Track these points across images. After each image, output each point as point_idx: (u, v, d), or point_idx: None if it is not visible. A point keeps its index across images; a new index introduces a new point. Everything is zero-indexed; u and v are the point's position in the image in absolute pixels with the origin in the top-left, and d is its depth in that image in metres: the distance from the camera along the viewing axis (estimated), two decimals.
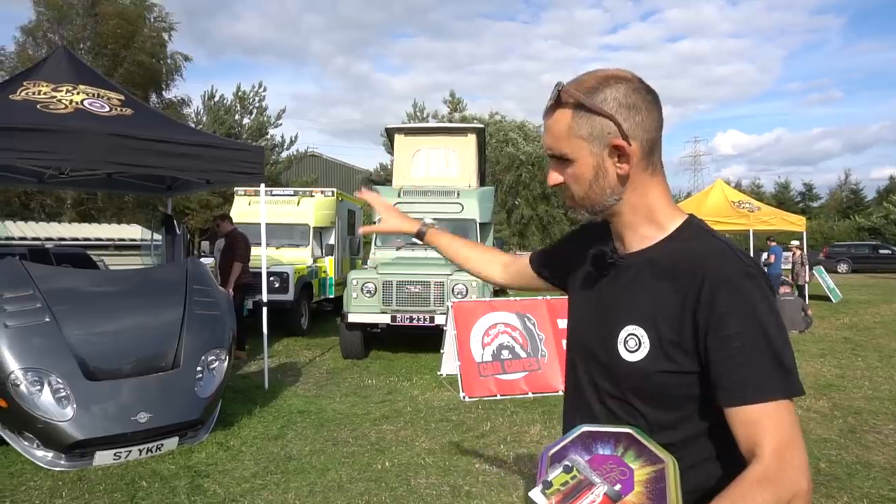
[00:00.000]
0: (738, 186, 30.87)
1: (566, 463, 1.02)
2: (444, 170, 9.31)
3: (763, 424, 0.95)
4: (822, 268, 14.96)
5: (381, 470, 4.07)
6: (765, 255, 14.73)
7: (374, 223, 1.79)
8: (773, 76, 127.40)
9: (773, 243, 14.55)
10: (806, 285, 14.25)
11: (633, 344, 1.09)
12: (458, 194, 8.64)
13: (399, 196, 8.62)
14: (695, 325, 1.03)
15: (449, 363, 6.68)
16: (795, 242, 15.26)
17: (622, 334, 1.11)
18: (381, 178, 25.75)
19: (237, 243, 7.77)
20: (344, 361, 7.74)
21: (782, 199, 40.38)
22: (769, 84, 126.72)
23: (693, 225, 1.15)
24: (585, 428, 1.05)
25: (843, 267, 26.86)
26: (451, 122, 23.55)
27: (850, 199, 42.57)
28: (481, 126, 9.95)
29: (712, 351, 1.00)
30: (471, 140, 9.36)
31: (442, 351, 6.88)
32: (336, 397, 5.98)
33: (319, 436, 4.77)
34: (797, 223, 15.14)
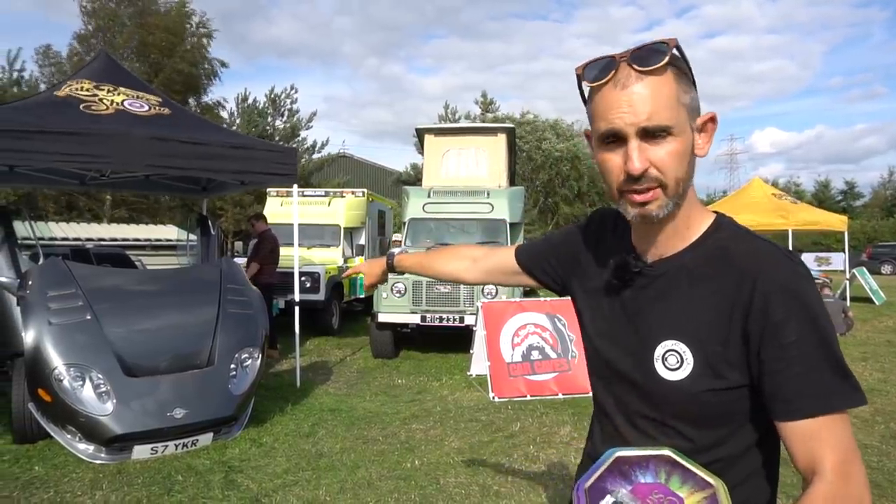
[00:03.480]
0: (775, 185, 30.15)
1: (612, 500, 0.91)
2: (474, 170, 9.30)
3: (823, 438, 0.89)
4: (864, 269, 14.50)
5: (411, 468, 4.09)
6: None
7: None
8: (814, 72, 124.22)
9: None
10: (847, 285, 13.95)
11: (675, 361, 0.98)
12: (488, 194, 8.62)
13: (429, 196, 8.65)
14: (745, 336, 0.94)
15: (478, 363, 6.67)
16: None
17: (659, 350, 1.00)
18: (412, 178, 25.83)
19: (262, 244, 7.92)
20: (374, 361, 7.80)
21: (822, 199, 39.25)
22: (809, 80, 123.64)
23: (725, 224, 1.05)
24: (619, 453, 0.94)
25: (886, 268, 26.05)
26: (482, 122, 23.50)
27: (894, 198, 41.18)
28: (511, 126, 9.91)
29: (769, 362, 0.92)
30: (501, 140, 9.33)
31: (471, 351, 6.86)
32: (366, 396, 6.04)
33: (350, 434, 4.82)
34: (839, 223, 14.73)
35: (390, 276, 1.68)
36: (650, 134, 0.93)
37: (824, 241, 29.86)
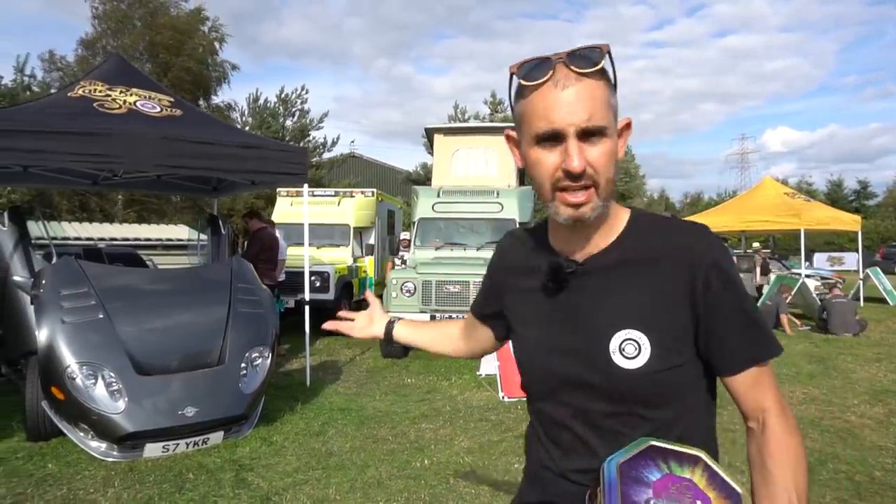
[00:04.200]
0: (785, 184, 29.89)
1: (657, 474, 0.93)
2: (484, 169, 9.30)
3: (763, 383, 1.06)
4: (878, 269, 14.35)
5: (421, 468, 4.09)
6: None
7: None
8: (827, 70, 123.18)
9: (726, 244, 14.48)
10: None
11: (633, 350, 1.02)
12: (498, 194, 8.61)
13: (438, 196, 8.65)
14: (693, 311, 1.03)
15: (488, 363, 6.68)
16: (757, 245, 14.99)
17: (615, 342, 1.03)
18: (421, 178, 25.85)
19: (252, 243, 7.87)
20: (383, 360, 7.81)
21: (835, 198, 38.84)
22: (822, 78, 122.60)
23: (643, 215, 1.11)
24: (652, 442, 0.96)
25: None
26: (492, 122, 23.47)
27: None
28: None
29: (717, 329, 1.03)
30: None
31: None
32: (376, 396, 6.04)
33: (360, 433, 4.82)
34: (852, 222, 14.58)
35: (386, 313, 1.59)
36: (587, 134, 0.96)
37: (837, 241, 29.59)
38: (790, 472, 1.01)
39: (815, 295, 11.79)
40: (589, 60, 0.96)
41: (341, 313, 1.64)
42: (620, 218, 1.09)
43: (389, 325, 1.55)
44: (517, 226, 8.27)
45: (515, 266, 1.21)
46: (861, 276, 14.54)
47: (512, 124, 1.12)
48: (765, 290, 14.07)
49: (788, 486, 1.00)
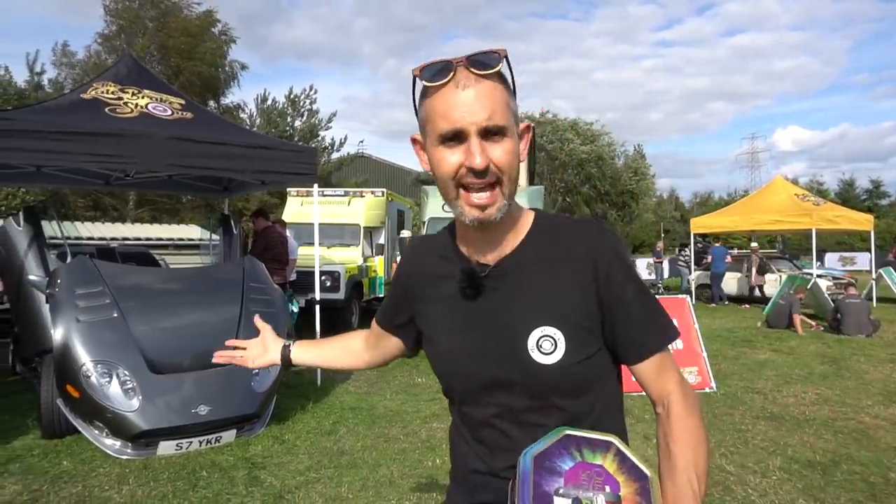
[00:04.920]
0: (795, 183, 29.71)
1: (569, 463, 0.96)
2: None
3: (667, 367, 1.11)
4: (891, 269, 14.20)
5: (432, 467, 4.10)
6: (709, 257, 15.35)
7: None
8: (838, 68, 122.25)
9: (718, 244, 15.20)
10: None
11: (549, 346, 1.05)
12: None
13: None
14: (599, 304, 1.07)
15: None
16: (754, 245, 14.93)
17: (532, 340, 1.05)
18: (430, 178, 25.85)
19: (256, 242, 7.86)
20: (394, 360, 7.80)
21: (847, 198, 38.58)
22: (834, 77, 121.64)
23: (544, 215, 1.16)
24: (567, 431, 0.99)
25: None
26: None
27: None
28: (531, 125, 9.87)
29: (621, 321, 1.08)
30: None
31: None
32: (386, 395, 6.06)
33: (371, 432, 4.84)
34: (864, 222, 14.46)
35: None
36: (489, 133, 0.99)
37: (849, 241, 29.36)
38: (690, 454, 1.06)
39: (827, 295, 11.70)
40: (487, 65, 1.00)
41: (230, 342, 1.55)
42: (525, 219, 1.13)
43: (286, 350, 1.50)
44: None
45: (425, 274, 1.21)
46: (874, 276, 14.42)
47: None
48: (767, 290, 14.05)
49: (688, 467, 1.05)
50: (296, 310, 7.86)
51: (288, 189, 11.31)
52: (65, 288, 4.44)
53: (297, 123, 23.79)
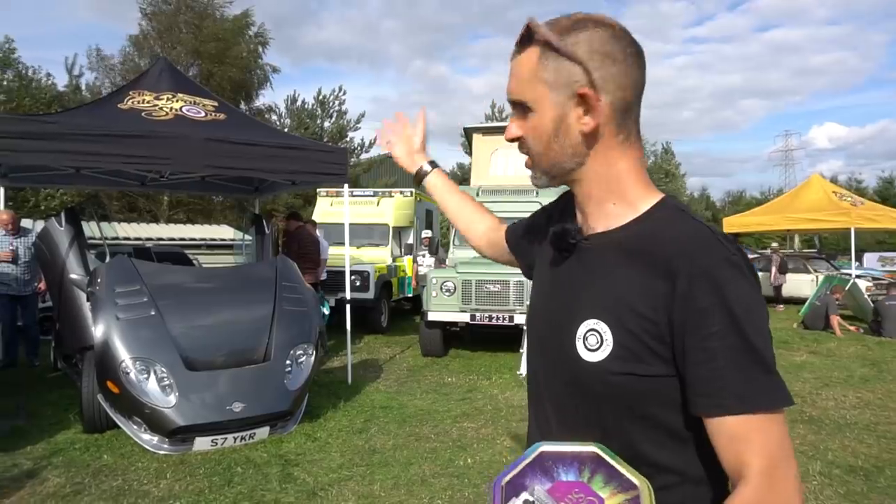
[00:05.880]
0: (834, 182, 28.93)
1: (526, 497, 0.84)
2: (523, 169, 9.17)
3: (749, 439, 0.83)
4: None
5: (464, 466, 4.09)
6: None
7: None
8: (877, 63, 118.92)
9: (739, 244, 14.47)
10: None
11: (594, 341, 0.92)
12: (537, 193, 8.54)
13: (477, 195, 8.63)
14: (670, 323, 0.87)
15: None
16: (774, 245, 14.51)
17: (581, 330, 0.94)
18: (458, 178, 25.87)
19: (289, 243, 7.96)
20: (423, 359, 7.84)
21: (887, 196, 37.38)
22: (872, 72, 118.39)
23: (668, 205, 0.98)
24: (544, 447, 0.86)
25: None
26: None
27: None
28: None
29: (690, 352, 0.85)
30: None
31: (521, 350, 6.84)
32: (417, 394, 6.07)
33: (402, 431, 4.85)
34: None
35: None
36: (516, 107, 0.99)
37: (889, 241, 28.50)
38: None
39: (866, 296, 11.38)
40: (519, 37, 0.98)
41: (393, 118, 1.55)
42: (645, 200, 0.98)
43: (425, 169, 1.48)
44: None
45: (554, 223, 1.13)
46: None
47: None
48: (793, 290, 13.72)
49: None
50: (327, 311, 7.92)
51: (318, 189, 11.43)
52: (105, 287, 4.55)
53: (326, 124, 24.04)
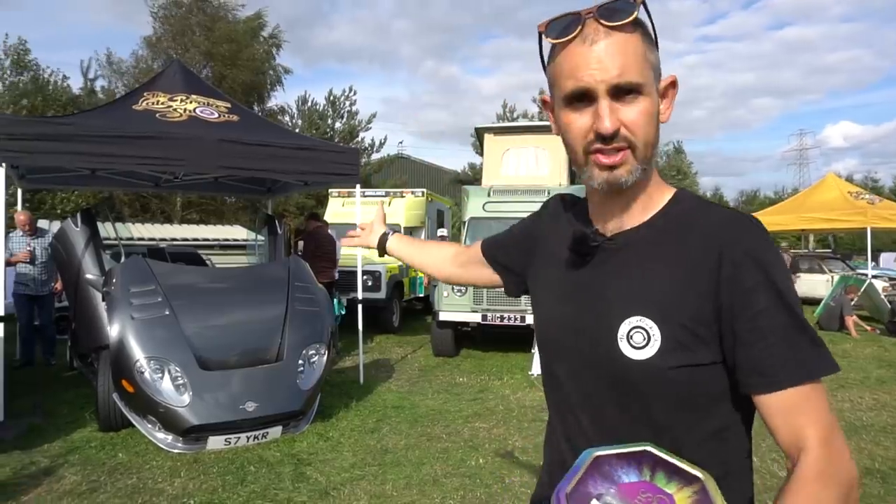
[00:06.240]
0: (849, 181, 28.59)
1: None
2: (535, 168, 9.23)
3: (804, 410, 0.85)
4: None
5: (476, 467, 4.09)
6: None
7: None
8: (893, 61, 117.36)
9: None
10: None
11: (641, 338, 0.91)
12: (549, 193, 8.53)
13: (489, 195, 8.63)
14: (716, 308, 0.88)
15: (540, 364, 6.63)
16: (784, 244, 14.30)
17: (623, 328, 0.92)
18: (469, 178, 25.85)
19: (307, 243, 8.12)
20: (435, 359, 7.85)
21: None
22: (888, 69, 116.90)
23: (687, 196, 1.00)
24: (597, 452, 0.85)
25: None
26: (540, 120, 23.28)
27: None
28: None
29: (742, 333, 0.87)
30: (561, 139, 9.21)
31: (533, 351, 6.83)
32: (428, 394, 6.08)
33: (413, 431, 4.86)
34: None
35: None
36: (620, 92, 0.88)
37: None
38: None
39: (883, 297, 11.24)
40: (618, 13, 0.88)
41: (357, 229, 1.73)
42: (662, 196, 0.99)
43: (383, 237, 1.61)
44: None
45: (552, 231, 1.13)
46: None
47: None
48: (805, 290, 13.58)
49: None
50: (343, 312, 7.95)
51: (329, 190, 11.47)
52: (120, 287, 4.60)
53: (338, 125, 24.11)
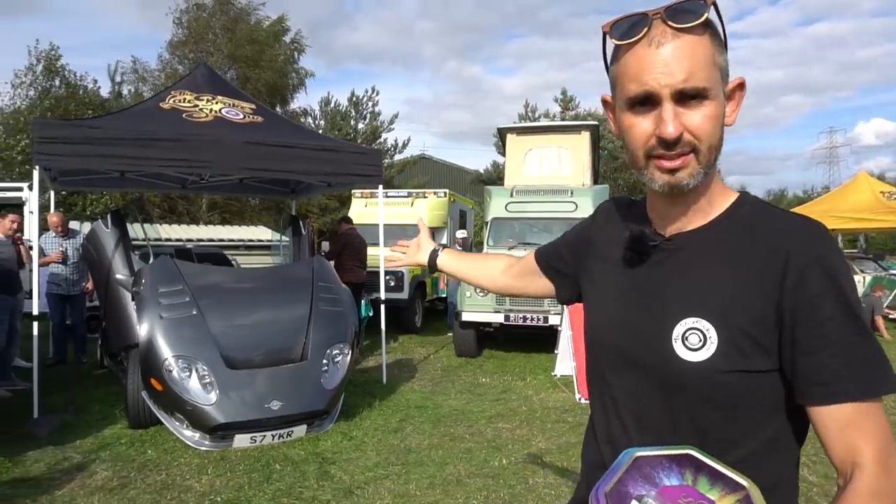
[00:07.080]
0: (881, 179, 27.88)
1: None
2: (557, 168, 9.18)
3: (862, 427, 0.83)
4: None
5: (499, 467, 4.09)
6: None
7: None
8: None
9: None
10: None
11: (696, 340, 0.89)
12: (572, 193, 8.48)
13: (511, 196, 8.62)
14: (779, 314, 0.86)
15: (563, 364, 6.59)
16: None
17: (679, 329, 0.91)
18: (492, 178, 25.81)
19: (337, 241, 8.22)
20: (457, 359, 7.85)
21: None
22: None
23: (750, 200, 0.98)
24: (638, 453, 0.84)
25: None
26: (562, 120, 23.15)
27: None
28: (595, 123, 9.70)
29: (804, 341, 0.84)
30: (584, 138, 9.17)
31: (556, 351, 6.80)
32: (451, 394, 6.08)
33: (437, 431, 4.87)
34: None
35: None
36: (685, 97, 0.86)
37: None
38: None
39: None
40: (689, 14, 0.85)
41: (399, 244, 1.75)
42: (724, 199, 0.97)
43: (433, 254, 1.59)
44: None
45: (607, 233, 1.12)
46: None
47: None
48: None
49: None
50: (370, 313, 7.99)
51: (352, 190, 11.54)
52: (149, 286, 4.68)
53: (360, 126, 24.24)
